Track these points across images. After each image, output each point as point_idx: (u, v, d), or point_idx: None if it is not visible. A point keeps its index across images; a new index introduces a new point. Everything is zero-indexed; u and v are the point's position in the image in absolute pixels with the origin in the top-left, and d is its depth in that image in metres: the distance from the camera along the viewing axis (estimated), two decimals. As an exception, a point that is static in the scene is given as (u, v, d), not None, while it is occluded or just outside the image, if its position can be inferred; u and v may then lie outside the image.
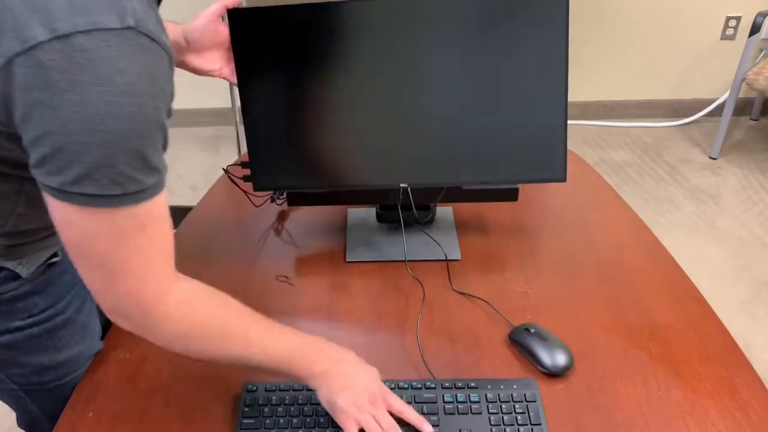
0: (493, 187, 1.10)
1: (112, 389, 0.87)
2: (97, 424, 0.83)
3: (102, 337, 0.96)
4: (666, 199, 2.58)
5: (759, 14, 2.56)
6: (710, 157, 2.82)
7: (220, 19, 0.94)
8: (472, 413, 0.80)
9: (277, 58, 0.95)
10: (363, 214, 1.19)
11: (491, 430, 0.78)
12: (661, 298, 0.99)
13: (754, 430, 0.79)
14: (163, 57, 0.59)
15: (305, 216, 1.21)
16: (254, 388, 0.84)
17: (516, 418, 0.79)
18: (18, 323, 0.82)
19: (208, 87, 3.00)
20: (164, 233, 0.67)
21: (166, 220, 0.67)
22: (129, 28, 0.55)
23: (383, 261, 1.09)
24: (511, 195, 1.11)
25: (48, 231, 0.80)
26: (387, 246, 1.11)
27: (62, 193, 0.58)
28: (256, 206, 1.21)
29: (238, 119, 2.86)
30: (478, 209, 1.21)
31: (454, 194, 1.11)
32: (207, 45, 0.95)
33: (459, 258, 1.09)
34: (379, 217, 1.15)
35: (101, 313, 1.01)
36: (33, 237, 0.79)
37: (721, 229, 2.40)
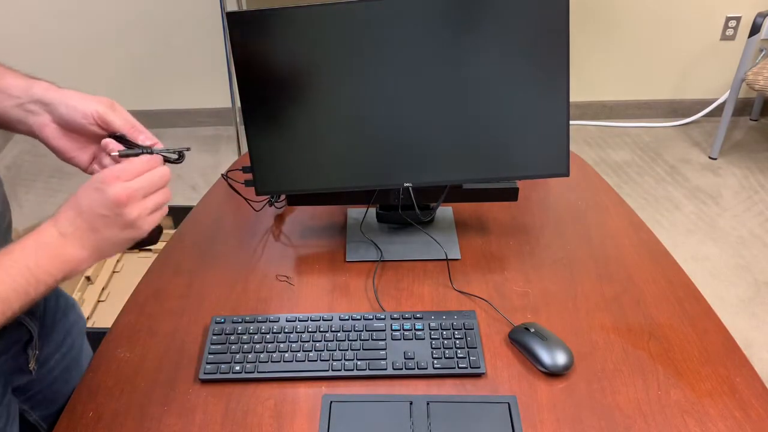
0: (493, 186, 1.11)
1: (112, 389, 0.87)
2: (97, 423, 0.83)
3: None
4: (666, 199, 2.58)
5: (759, 14, 2.56)
6: (710, 157, 2.82)
7: (99, 126, 0.74)
8: (416, 339, 0.91)
9: (277, 60, 0.95)
10: (363, 214, 1.19)
11: (432, 352, 0.89)
12: (660, 298, 0.99)
13: (754, 429, 0.79)
14: None
15: (305, 216, 1.21)
16: (222, 320, 0.95)
17: (455, 342, 0.91)
18: None
19: (207, 87, 3.02)
20: None
21: None
22: None
23: (383, 261, 1.09)
24: (511, 195, 1.11)
25: None
26: (387, 246, 1.12)
27: None
28: (256, 211, 1.22)
29: (238, 119, 2.86)
30: (478, 209, 1.21)
31: (454, 194, 1.11)
32: (75, 130, 0.75)
33: (459, 258, 1.09)
34: (380, 217, 1.15)
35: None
36: None
37: (721, 229, 2.40)
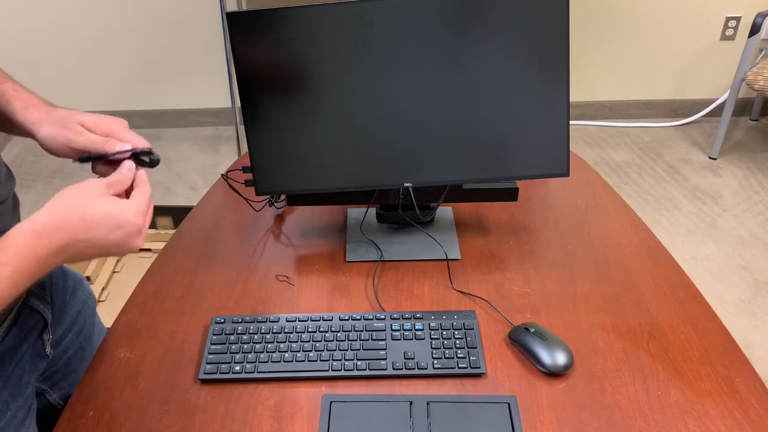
0: (493, 186, 1.11)
1: (112, 389, 0.87)
2: (97, 423, 0.83)
3: None
4: (666, 199, 2.58)
5: (759, 14, 2.56)
6: (710, 157, 2.82)
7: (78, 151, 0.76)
8: (416, 339, 0.91)
9: (277, 60, 0.95)
10: (363, 214, 1.19)
11: (432, 352, 0.89)
12: (661, 298, 0.99)
13: (754, 429, 0.79)
14: None
15: (305, 216, 1.21)
16: (222, 320, 0.95)
17: (455, 342, 0.91)
18: None
19: (207, 87, 3.02)
20: None
21: None
22: None
23: (383, 261, 1.09)
24: (511, 195, 1.11)
25: None
26: (387, 246, 1.12)
27: None
28: (256, 211, 1.22)
29: (237, 119, 2.87)
30: (478, 209, 1.21)
31: (454, 194, 1.11)
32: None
33: (459, 258, 1.09)
34: (380, 217, 1.15)
35: None
36: None
37: (721, 229, 2.40)
